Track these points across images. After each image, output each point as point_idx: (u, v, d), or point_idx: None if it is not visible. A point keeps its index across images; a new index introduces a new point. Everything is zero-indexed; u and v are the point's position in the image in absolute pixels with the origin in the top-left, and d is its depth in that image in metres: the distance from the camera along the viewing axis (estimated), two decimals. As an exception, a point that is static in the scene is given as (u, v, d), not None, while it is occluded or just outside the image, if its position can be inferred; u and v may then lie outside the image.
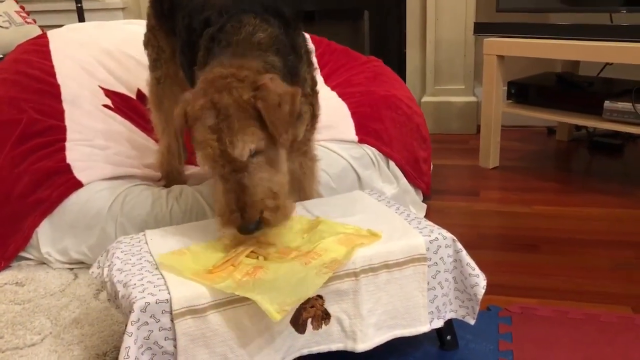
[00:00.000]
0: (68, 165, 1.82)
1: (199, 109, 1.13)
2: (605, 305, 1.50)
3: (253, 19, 1.31)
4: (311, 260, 1.12)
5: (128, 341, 1.00)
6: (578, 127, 2.95)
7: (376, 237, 1.20)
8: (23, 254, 1.80)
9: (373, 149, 2.01)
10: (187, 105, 1.16)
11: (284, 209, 1.16)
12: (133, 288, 1.06)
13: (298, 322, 1.13)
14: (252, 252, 1.17)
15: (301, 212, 1.35)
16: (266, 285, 1.05)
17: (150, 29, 1.81)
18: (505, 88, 2.59)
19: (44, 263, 1.80)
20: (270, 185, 1.15)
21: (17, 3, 3.04)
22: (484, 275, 1.25)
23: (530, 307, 1.49)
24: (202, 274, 1.10)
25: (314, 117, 1.47)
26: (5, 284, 1.69)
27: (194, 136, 1.16)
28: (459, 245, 1.23)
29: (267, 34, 1.30)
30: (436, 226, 1.26)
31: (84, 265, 1.78)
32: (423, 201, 2.18)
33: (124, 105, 2.23)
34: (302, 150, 1.51)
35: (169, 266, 1.12)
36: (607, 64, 2.70)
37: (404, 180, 2.08)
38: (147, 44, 1.83)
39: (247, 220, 1.12)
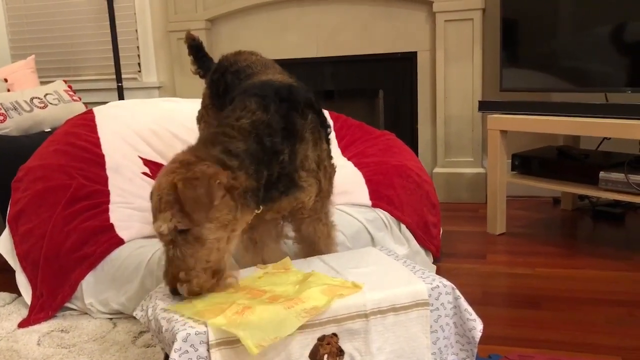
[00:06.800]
0: (111, 225, 2.04)
1: (152, 190, 1.34)
2: (597, 356, 1.63)
3: (254, 104, 1.46)
4: (294, 306, 1.28)
5: (171, 366, 1.17)
6: (581, 197, 3.12)
7: (358, 288, 1.35)
8: (68, 304, 2.00)
9: (386, 212, 2.20)
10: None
11: (196, 280, 1.30)
12: (175, 322, 1.24)
13: (316, 357, 1.29)
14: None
15: (319, 264, 1.54)
16: (251, 324, 1.21)
17: (204, 106, 2.04)
18: (510, 160, 2.80)
19: (86, 313, 1.99)
20: (189, 260, 1.29)
21: (66, 83, 3.37)
22: (480, 320, 1.40)
23: (528, 356, 1.63)
24: (200, 312, 1.26)
25: (320, 190, 1.58)
26: (52, 330, 1.88)
27: None
28: (458, 293, 1.40)
29: (251, 121, 1.43)
30: (437, 276, 1.44)
31: (122, 315, 1.96)
32: (433, 263, 2.35)
33: (160, 173, 2.47)
34: (313, 217, 1.65)
35: (177, 312, 1.29)
36: (605, 138, 2.91)
37: (414, 242, 2.26)
38: (200, 119, 2.06)
39: (168, 285, 1.33)
